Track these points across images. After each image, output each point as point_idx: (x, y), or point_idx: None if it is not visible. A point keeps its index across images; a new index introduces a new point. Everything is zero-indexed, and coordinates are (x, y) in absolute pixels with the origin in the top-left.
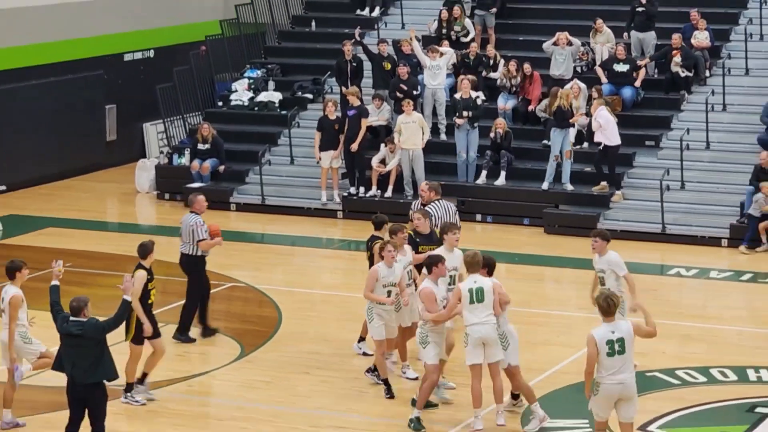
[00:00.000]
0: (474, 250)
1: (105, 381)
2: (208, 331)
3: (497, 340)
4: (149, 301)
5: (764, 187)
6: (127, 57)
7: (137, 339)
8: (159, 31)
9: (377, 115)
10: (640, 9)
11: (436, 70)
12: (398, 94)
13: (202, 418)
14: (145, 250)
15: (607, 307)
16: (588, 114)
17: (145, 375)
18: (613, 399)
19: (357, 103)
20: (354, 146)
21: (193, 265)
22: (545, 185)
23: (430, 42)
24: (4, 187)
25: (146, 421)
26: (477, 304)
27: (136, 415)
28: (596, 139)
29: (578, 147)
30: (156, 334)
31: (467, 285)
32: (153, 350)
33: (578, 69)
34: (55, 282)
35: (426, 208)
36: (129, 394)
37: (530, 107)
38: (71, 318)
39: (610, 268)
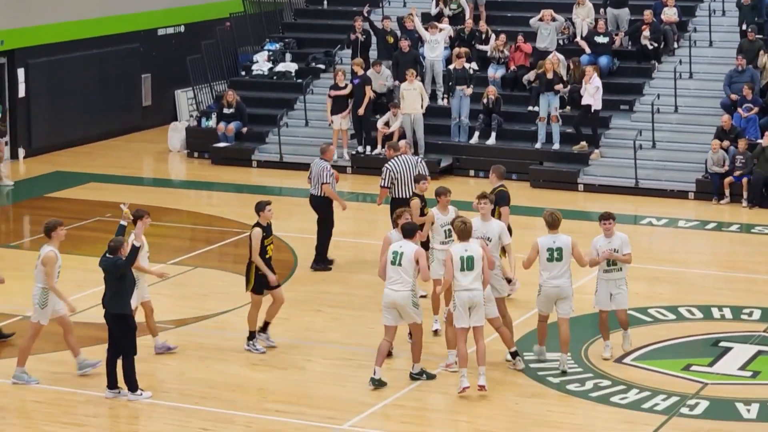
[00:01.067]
0: (464, 218)
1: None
2: (326, 262)
3: (482, 306)
4: (267, 256)
5: (714, 144)
6: (161, 32)
7: (257, 289)
8: (189, 9)
9: (377, 79)
10: None
11: (435, 44)
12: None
13: (225, 351)
14: (260, 207)
15: (552, 221)
16: (570, 82)
17: (266, 324)
18: (552, 299)
19: (361, 72)
20: (360, 110)
21: (321, 205)
22: (538, 145)
23: (429, 19)
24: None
25: (174, 356)
26: (467, 271)
27: None
28: (584, 102)
29: (561, 111)
30: (277, 284)
31: (458, 252)
32: (273, 300)
33: (560, 42)
34: (123, 222)
35: (386, 164)
36: (251, 342)
37: (524, 76)
38: (106, 254)
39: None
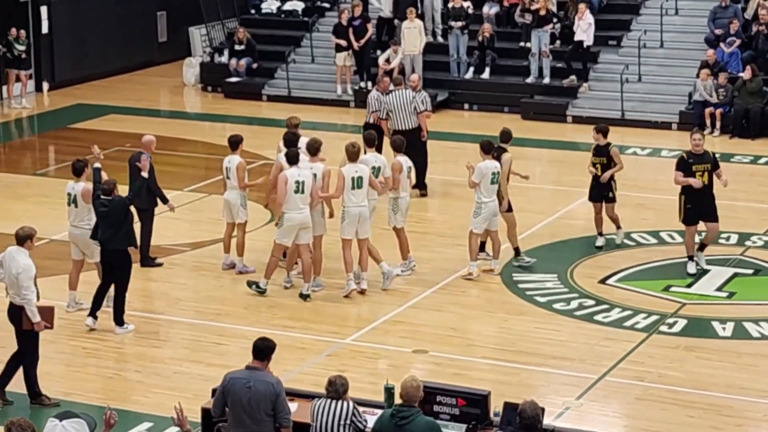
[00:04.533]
0: (354, 141)
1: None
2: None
3: (368, 220)
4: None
5: (702, 73)
6: None
7: (508, 208)
8: None
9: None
10: None
11: None
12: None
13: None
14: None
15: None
16: (563, 20)
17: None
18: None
19: (359, 11)
20: (361, 42)
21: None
22: (530, 79)
23: None
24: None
25: (190, 276)
26: (356, 190)
27: (184, 268)
28: (577, 38)
29: (552, 47)
30: (509, 208)
31: (349, 173)
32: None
33: None
34: (96, 165)
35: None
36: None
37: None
38: (101, 197)
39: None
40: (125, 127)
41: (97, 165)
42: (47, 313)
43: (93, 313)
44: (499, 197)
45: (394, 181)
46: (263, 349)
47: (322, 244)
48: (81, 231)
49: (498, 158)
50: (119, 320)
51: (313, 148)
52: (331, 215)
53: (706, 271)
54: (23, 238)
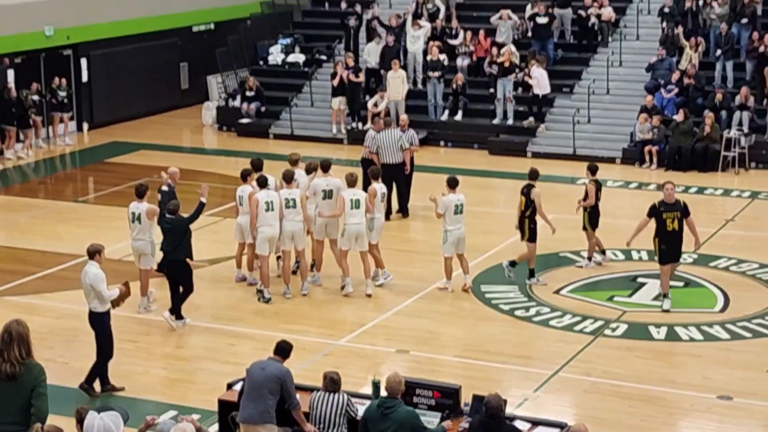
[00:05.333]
0: (353, 172)
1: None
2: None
3: (365, 236)
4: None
5: (641, 117)
6: (195, 29)
7: (531, 239)
8: (217, 10)
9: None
10: None
11: (416, 39)
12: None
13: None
14: (535, 172)
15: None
16: (522, 69)
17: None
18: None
19: (352, 63)
20: (354, 78)
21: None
22: (496, 121)
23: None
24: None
25: (210, 287)
26: (354, 210)
27: (203, 280)
28: (534, 90)
29: (514, 93)
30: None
31: (349, 196)
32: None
33: (515, 36)
34: (164, 188)
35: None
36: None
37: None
38: (166, 215)
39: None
40: (153, 161)
41: (164, 188)
42: (123, 289)
43: (172, 312)
44: (521, 229)
45: (370, 205)
46: (285, 349)
47: (305, 253)
48: (141, 243)
49: (528, 194)
50: (179, 315)
51: (288, 177)
52: (309, 233)
53: (644, 284)
54: (92, 253)
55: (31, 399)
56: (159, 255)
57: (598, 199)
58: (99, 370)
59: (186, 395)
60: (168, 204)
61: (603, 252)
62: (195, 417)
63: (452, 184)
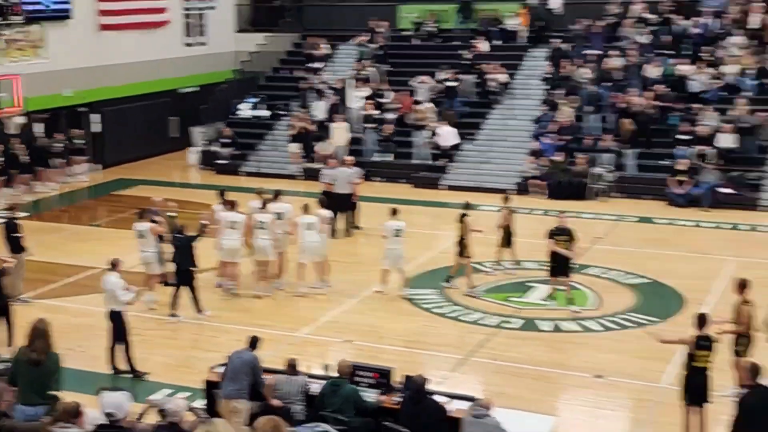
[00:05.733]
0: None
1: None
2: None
3: (318, 252)
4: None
5: (528, 159)
6: (183, 90)
7: (461, 254)
8: (200, 76)
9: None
10: (467, 59)
11: (357, 98)
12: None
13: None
14: (467, 205)
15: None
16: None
17: None
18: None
19: (302, 123)
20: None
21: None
22: (417, 161)
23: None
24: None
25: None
26: (309, 231)
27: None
28: (441, 142)
29: (430, 139)
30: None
31: (305, 219)
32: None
33: (431, 96)
34: (172, 213)
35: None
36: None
37: (407, 119)
38: (176, 234)
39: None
40: (150, 194)
41: (172, 213)
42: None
43: (198, 310)
44: (461, 246)
45: (322, 227)
46: (255, 340)
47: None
48: (146, 254)
49: (462, 221)
50: (199, 309)
51: (263, 205)
52: (249, 246)
53: (534, 288)
54: (114, 264)
55: (50, 383)
56: (163, 263)
57: (509, 223)
58: (129, 354)
59: (180, 377)
60: (176, 225)
61: (499, 263)
62: (186, 395)
63: (393, 212)
